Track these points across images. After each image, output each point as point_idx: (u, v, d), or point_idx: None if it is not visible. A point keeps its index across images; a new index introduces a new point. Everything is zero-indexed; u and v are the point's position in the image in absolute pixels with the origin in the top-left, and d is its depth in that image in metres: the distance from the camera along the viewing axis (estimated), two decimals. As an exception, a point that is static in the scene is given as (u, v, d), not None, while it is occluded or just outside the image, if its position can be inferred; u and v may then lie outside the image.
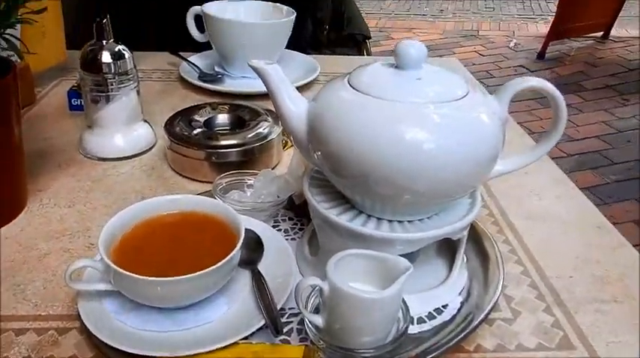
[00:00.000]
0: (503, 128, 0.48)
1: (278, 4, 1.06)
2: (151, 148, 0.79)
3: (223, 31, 0.99)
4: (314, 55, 1.17)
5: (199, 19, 1.03)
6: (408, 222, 0.50)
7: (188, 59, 1.07)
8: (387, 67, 0.49)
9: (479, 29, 4.70)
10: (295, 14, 1.01)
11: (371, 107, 0.45)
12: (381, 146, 0.44)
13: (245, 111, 0.78)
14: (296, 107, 0.50)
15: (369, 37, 1.61)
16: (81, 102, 0.87)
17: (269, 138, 0.73)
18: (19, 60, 0.61)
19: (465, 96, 0.46)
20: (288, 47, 1.06)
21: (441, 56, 4.05)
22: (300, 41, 1.26)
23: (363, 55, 1.58)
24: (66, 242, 0.60)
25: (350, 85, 0.48)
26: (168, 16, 1.18)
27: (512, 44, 4.29)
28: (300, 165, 0.63)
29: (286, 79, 0.50)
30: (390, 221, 0.50)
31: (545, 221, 0.66)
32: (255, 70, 0.50)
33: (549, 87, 0.47)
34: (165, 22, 1.19)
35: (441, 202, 0.50)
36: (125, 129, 0.76)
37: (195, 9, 1.03)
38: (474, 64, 3.87)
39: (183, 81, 1.01)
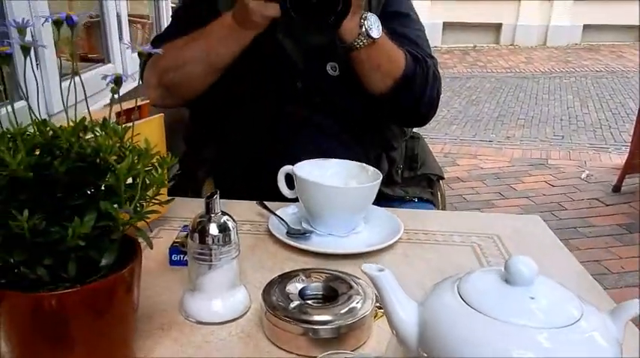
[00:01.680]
0: (621, 349, 0.48)
1: (364, 165, 1.12)
2: (246, 312, 0.82)
3: (311, 192, 1.05)
4: (395, 209, 1.20)
5: (289, 177, 1.09)
6: None
7: (276, 212, 1.12)
8: (497, 280, 0.51)
9: (548, 158, 4.68)
10: (381, 177, 1.06)
11: (482, 325, 0.47)
12: (492, 365, 0.45)
13: (337, 281, 0.81)
14: (405, 313, 0.52)
15: (443, 178, 1.65)
16: (181, 257, 0.93)
17: (362, 315, 0.74)
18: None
19: (580, 318, 0.47)
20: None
21: (509, 185, 4.04)
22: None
23: (437, 194, 1.60)
24: (176, 418, 0.63)
25: (459, 295, 0.50)
26: (259, 167, 1.26)
27: (584, 175, 4.22)
28: (397, 351, 0.64)
29: (396, 284, 0.53)
30: None
31: None
32: (368, 276, 0.53)
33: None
34: (256, 174, 1.27)
35: None
36: (225, 294, 0.80)
37: (286, 168, 1.10)
38: (544, 195, 3.83)
39: (272, 235, 1.05)
